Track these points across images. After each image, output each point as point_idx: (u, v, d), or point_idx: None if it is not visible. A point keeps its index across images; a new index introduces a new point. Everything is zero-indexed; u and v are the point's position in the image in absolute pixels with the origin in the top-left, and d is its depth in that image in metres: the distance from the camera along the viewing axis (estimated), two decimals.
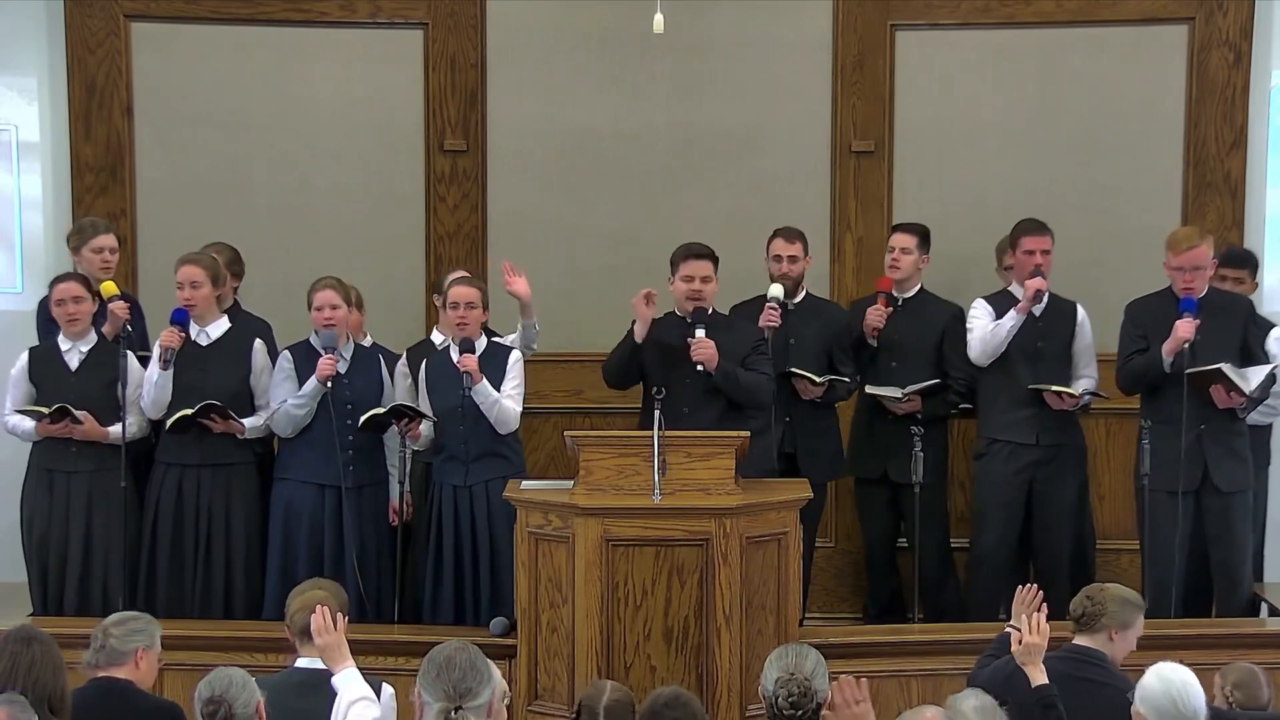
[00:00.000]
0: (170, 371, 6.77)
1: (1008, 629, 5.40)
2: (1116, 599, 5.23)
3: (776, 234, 7.39)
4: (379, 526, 6.97)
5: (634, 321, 6.84)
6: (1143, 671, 4.65)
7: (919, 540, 7.21)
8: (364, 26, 8.10)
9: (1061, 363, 7.21)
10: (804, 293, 7.43)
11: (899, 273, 7.42)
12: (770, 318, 7.10)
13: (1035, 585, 5.44)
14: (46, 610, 6.79)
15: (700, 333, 6.74)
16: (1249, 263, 7.45)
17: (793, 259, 7.34)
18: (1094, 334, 7.30)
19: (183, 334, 6.81)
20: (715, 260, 6.86)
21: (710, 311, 6.85)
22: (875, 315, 7.35)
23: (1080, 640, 5.23)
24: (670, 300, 6.94)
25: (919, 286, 7.48)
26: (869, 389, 7.40)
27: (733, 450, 6.15)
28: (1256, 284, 7.47)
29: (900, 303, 7.44)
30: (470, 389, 6.68)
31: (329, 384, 6.76)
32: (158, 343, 6.84)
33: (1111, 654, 5.20)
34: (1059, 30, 8.03)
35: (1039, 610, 5.36)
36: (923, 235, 7.46)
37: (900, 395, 7.24)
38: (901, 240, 7.45)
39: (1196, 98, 7.96)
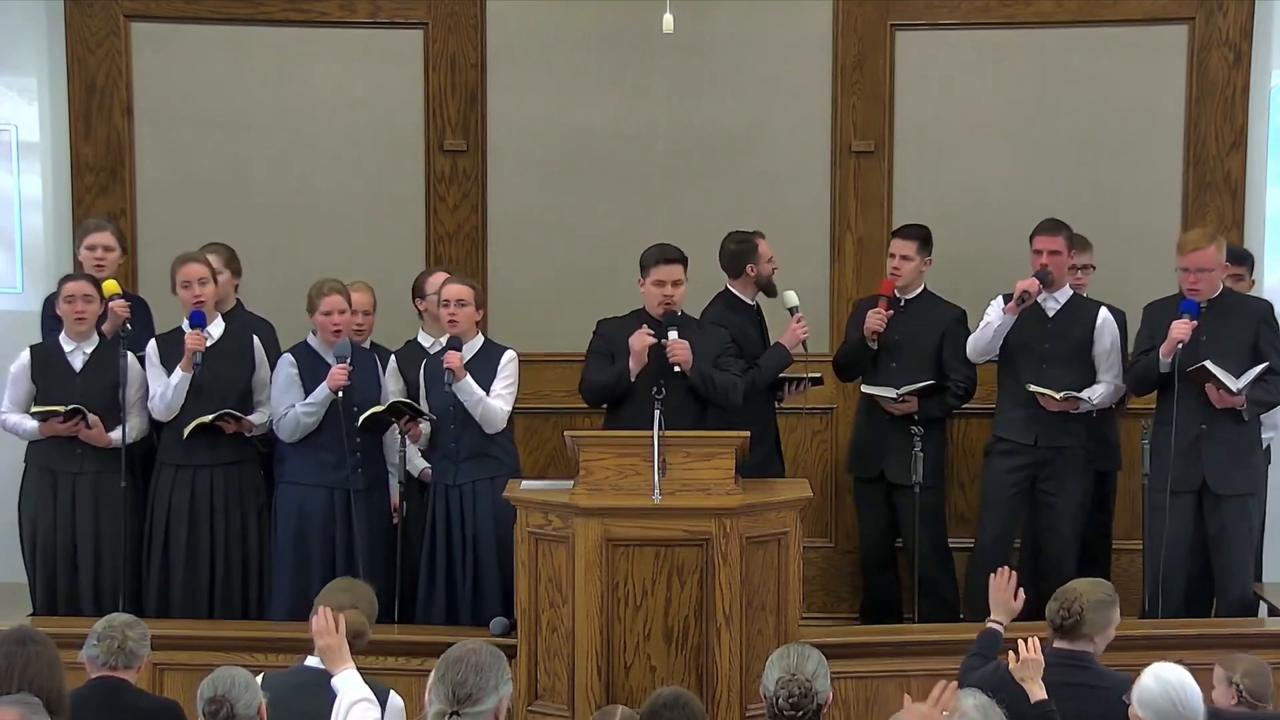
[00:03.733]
0: (190, 374, 6.76)
1: (989, 625, 5.41)
2: (1091, 604, 5.14)
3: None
4: (384, 527, 6.96)
5: (627, 355, 6.70)
6: (1140, 672, 4.65)
7: (917, 540, 7.21)
8: (364, 26, 8.09)
9: (1071, 365, 7.12)
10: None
11: (900, 279, 7.42)
12: (801, 331, 7.05)
13: (1007, 569, 5.47)
14: (55, 611, 6.76)
15: (674, 334, 6.71)
16: (1246, 260, 7.44)
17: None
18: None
19: (205, 334, 6.81)
20: (686, 263, 6.82)
21: (680, 314, 6.81)
22: (875, 319, 7.34)
23: (1061, 644, 5.15)
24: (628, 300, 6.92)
25: (922, 288, 7.46)
26: (865, 388, 7.41)
27: (733, 450, 6.15)
28: (1254, 280, 7.46)
29: (902, 303, 7.43)
30: (450, 385, 6.67)
31: (339, 392, 6.76)
32: (180, 338, 6.82)
33: (1095, 650, 5.17)
34: (1059, 30, 8.03)
35: (1015, 599, 5.38)
36: (922, 239, 7.42)
37: (895, 395, 7.24)
38: (901, 248, 7.42)
39: (1196, 98, 7.95)
